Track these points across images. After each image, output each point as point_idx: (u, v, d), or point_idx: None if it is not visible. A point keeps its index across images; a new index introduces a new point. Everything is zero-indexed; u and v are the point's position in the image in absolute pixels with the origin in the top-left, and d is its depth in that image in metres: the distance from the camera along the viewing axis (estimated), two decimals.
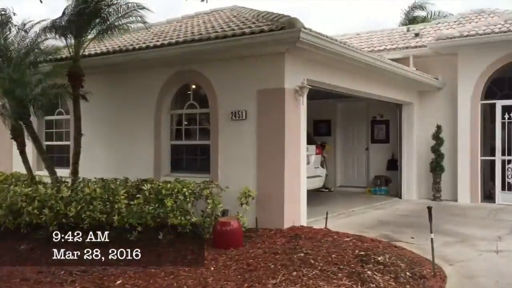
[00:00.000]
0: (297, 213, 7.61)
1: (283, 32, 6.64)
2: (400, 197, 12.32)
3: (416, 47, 12.41)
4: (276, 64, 7.35)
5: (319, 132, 14.31)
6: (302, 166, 7.78)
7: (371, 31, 15.29)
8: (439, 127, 11.97)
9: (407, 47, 12.56)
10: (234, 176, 7.66)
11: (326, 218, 7.75)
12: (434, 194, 11.97)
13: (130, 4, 7.80)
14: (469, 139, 11.51)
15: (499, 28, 10.95)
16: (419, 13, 22.33)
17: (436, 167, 11.86)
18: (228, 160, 7.83)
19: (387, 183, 13.16)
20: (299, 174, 7.68)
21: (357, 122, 13.97)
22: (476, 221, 8.94)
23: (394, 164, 12.99)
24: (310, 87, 7.65)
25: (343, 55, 7.73)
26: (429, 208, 5.50)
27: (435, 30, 13.29)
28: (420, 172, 12.47)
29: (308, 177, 9.90)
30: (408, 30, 13.97)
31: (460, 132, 11.66)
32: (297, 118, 7.60)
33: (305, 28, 6.71)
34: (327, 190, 13.62)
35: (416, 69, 11.86)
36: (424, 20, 20.50)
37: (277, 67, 7.34)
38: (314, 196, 11.60)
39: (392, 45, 13.02)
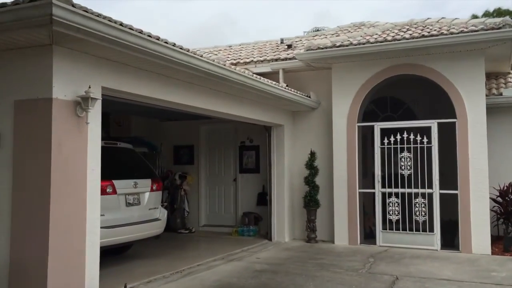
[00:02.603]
0: (78, 287, 5.02)
1: (24, 7, 4.14)
2: (270, 239, 10.16)
3: (286, 59, 10.50)
4: (39, 63, 4.82)
5: (180, 160, 11.94)
6: (92, 213, 5.23)
7: (244, 43, 13.34)
8: (313, 154, 10.06)
9: (276, 59, 10.62)
10: None
11: None
12: (308, 235, 9.95)
13: None
14: (346, 168, 9.69)
15: (375, 38, 9.33)
16: None
17: (310, 202, 9.87)
18: None
19: (257, 221, 10.98)
20: (84, 227, 5.12)
21: (224, 148, 11.76)
22: (346, 277, 6.89)
23: (265, 198, 10.87)
24: (98, 98, 5.19)
25: (154, 54, 5.40)
26: None
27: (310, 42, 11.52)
28: (294, 208, 10.46)
29: (139, 223, 7.47)
30: (282, 42, 12.13)
31: (336, 159, 9.82)
32: (79, 144, 5.08)
33: (74, 5, 4.27)
34: (187, 232, 11.19)
35: (287, 85, 9.93)
36: None
37: (41, 67, 4.82)
38: (160, 242, 9.14)
39: (260, 57, 11.03)
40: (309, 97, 9.98)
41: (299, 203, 10.24)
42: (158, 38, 5.43)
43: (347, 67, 9.77)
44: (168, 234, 10.75)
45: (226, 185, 11.61)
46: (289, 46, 11.42)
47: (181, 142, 11.88)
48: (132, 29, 5.02)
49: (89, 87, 5.01)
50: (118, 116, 11.48)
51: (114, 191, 7.03)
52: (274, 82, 8.70)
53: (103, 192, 6.87)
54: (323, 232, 10.09)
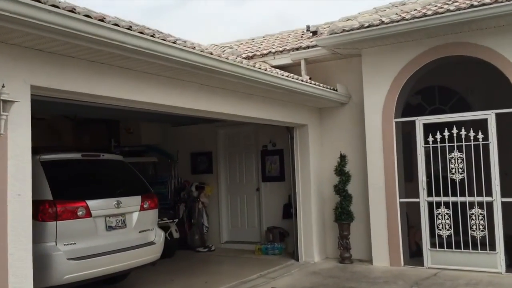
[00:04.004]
0: None
1: None
2: (297, 259, 8.67)
3: (308, 47, 8.98)
4: None
5: (197, 168, 10.67)
6: (18, 251, 4.00)
7: (268, 35, 11.87)
8: (343, 158, 8.48)
9: (297, 48, 9.12)
10: None
11: None
12: (341, 254, 8.38)
13: None
14: (383, 173, 8.04)
15: (412, 14, 7.63)
16: None
17: (341, 215, 8.30)
18: None
19: (283, 237, 9.50)
20: (5, 272, 3.88)
21: (244, 153, 10.37)
22: None
23: (291, 211, 9.37)
24: (18, 100, 3.93)
25: (99, 40, 4.12)
26: None
27: None
28: (324, 222, 8.93)
29: (126, 249, 6.27)
30: (307, 30, 10.57)
31: (370, 163, 8.20)
32: None
33: None
34: (205, 250, 9.90)
35: (310, 78, 8.45)
36: None
37: None
38: (171, 263, 8.07)
39: (280, 47, 9.56)
40: (335, 90, 8.41)
41: (330, 216, 8.68)
42: (102, 19, 4.14)
43: (380, 52, 8.14)
44: (185, 253, 9.61)
45: (249, 196, 10.22)
46: (314, 33, 9.88)
47: (198, 149, 10.61)
48: (57, 7, 3.75)
49: (3, 86, 3.78)
50: (128, 123, 10.40)
51: (88, 214, 5.82)
52: (287, 74, 7.23)
53: (73, 215, 5.72)
54: (359, 250, 8.49)
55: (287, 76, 7.02)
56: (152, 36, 4.63)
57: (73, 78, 4.48)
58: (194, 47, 5.23)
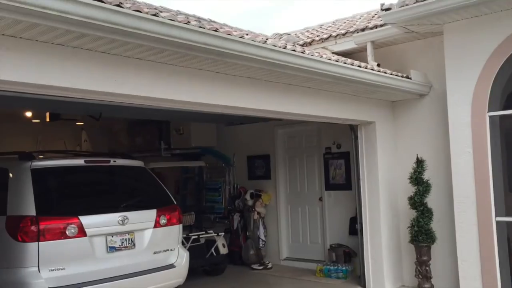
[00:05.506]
0: None
1: None
2: (364, 286, 7.08)
3: (376, 27, 7.33)
4: None
5: (254, 173, 9.41)
6: None
7: (338, 19, 10.27)
8: (420, 163, 6.73)
9: (363, 29, 7.50)
10: None
11: None
12: (419, 284, 6.64)
13: None
14: (473, 183, 6.18)
15: None
16: None
17: (418, 235, 6.56)
18: None
19: (349, 257, 7.91)
20: None
21: (306, 157, 8.91)
22: None
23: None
24: None
25: (33, 11, 3.01)
26: None
27: None
28: (399, 242, 7.25)
29: (134, 275, 5.23)
30: (381, 9, 8.79)
31: (455, 170, 6.37)
32: None
33: None
34: (261, 268, 8.63)
35: (378, 64, 6.87)
36: None
37: None
38: (212, 284, 6.92)
39: (343, 30, 7.99)
40: (409, 78, 6.68)
41: (407, 235, 6.97)
42: None
43: (467, 26, 6.27)
44: (237, 270, 8.52)
45: (311, 206, 8.75)
46: (387, 10, 8.14)
47: (255, 151, 9.36)
48: None
49: None
50: (178, 123, 9.46)
51: (81, 232, 4.83)
52: (335, 58, 5.72)
53: (61, 235, 4.75)
54: (444, 279, 6.74)
55: (336, 61, 5.50)
56: (118, 5, 3.44)
57: (17, 64, 3.44)
58: (188, 22, 3.96)
